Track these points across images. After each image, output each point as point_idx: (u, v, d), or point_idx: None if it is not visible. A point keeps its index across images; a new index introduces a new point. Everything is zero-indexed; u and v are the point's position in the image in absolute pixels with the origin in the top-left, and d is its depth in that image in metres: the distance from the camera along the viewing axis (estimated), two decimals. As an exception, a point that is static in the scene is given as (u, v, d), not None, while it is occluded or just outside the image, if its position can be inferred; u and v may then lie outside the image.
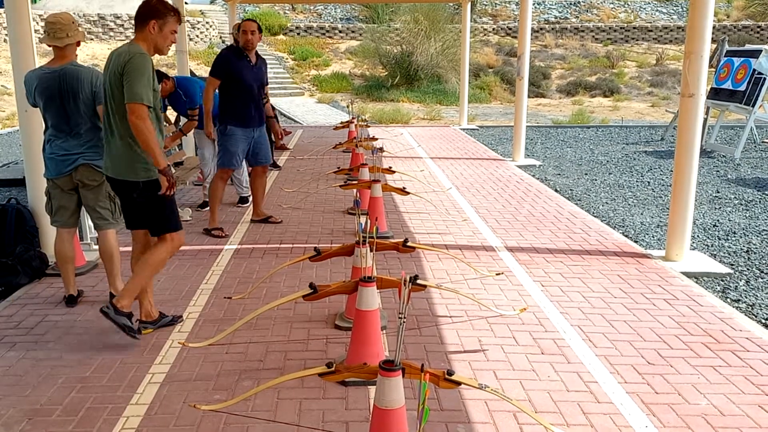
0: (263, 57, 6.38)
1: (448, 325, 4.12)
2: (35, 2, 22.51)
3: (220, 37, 24.86)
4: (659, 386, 3.40)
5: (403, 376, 2.43)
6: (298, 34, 26.24)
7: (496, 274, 5.03)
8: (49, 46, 4.19)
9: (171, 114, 12.50)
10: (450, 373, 2.55)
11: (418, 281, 3.49)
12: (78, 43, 4.27)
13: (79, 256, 5.12)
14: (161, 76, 6.37)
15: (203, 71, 20.36)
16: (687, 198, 5.45)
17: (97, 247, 5.46)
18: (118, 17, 23.49)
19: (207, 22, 24.78)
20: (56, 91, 4.14)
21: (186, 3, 13.41)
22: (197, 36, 23.92)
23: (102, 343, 3.88)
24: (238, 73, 5.98)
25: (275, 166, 9.50)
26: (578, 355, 3.73)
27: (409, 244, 4.06)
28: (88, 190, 4.31)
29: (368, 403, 3.17)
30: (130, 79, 3.50)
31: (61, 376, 3.48)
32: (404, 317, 2.30)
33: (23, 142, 5.39)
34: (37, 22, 19.01)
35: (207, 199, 7.11)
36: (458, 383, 2.57)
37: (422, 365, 2.18)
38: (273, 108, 12.36)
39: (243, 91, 6.02)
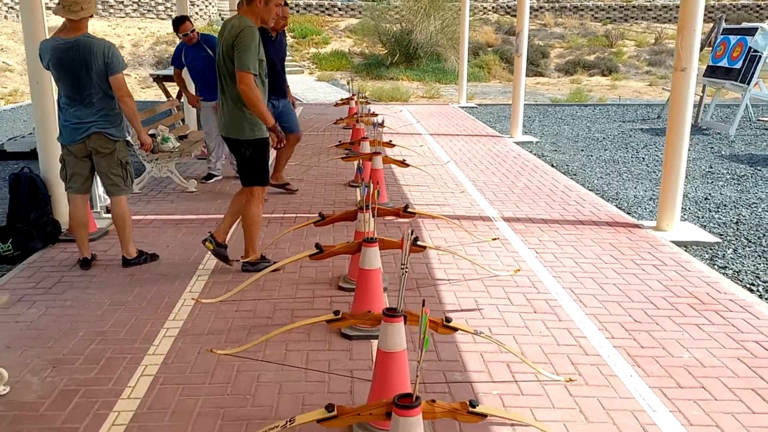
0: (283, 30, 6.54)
1: (445, 287, 4.33)
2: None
3: (220, 14, 24.83)
4: (645, 341, 3.61)
5: (405, 322, 2.62)
6: (298, 11, 26.20)
7: (492, 239, 5.24)
8: (65, 17, 4.33)
9: (173, 88, 12.61)
10: (448, 320, 2.75)
11: (418, 243, 3.68)
12: (91, 16, 4.41)
13: (91, 223, 5.30)
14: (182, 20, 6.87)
15: (203, 48, 20.40)
16: (678, 169, 5.64)
17: (106, 215, 5.69)
18: (117, -6, 23.44)
19: (206, 0, 24.74)
20: (70, 62, 4.29)
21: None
22: (197, 14, 23.91)
23: (117, 302, 4.08)
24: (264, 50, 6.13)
25: None
26: (569, 314, 3.94)
27: (409, 209, 4.24)
28: (100, 157, 4.48)
29: (371, 354, 3.38)
30: (240, 50, 4.01)
31: (81, 330, 3.69)
32: (406, 268, 2.50)
33: (35, 113, 5.53)
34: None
35: (211, 172, 7.29)
36: (455, 329, 2.78)
37: (423, 301, 2.37)
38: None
39: (267, 66, 6.18)
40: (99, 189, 5.76)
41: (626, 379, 3.21)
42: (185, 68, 7.37)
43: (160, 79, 12.75)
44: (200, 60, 7.06)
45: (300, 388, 3.10)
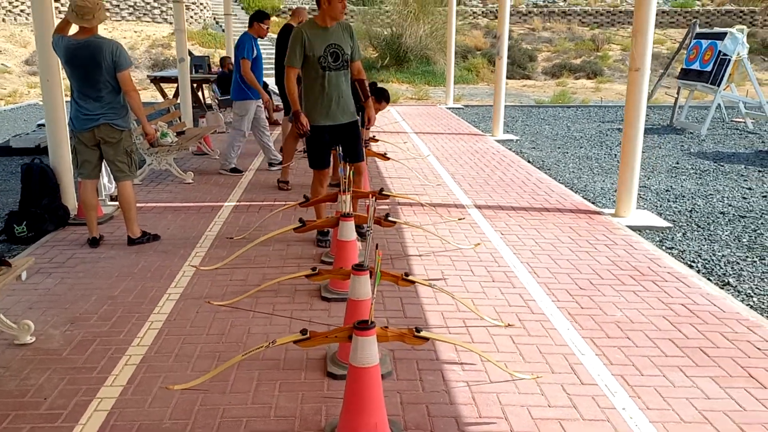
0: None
1: (416, 261, 4.87)
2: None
3: (214, 18, 25.37)
4: (585, 304, 4.15)
5: (371, 276, 3.15)
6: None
7: (459, 219, 5.80)
8: (78, 24, 4.85)
9: (169, 89, 13.12)
10: (407, 274, 3.28)
11: (389, 218, 4.22)
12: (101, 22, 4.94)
13: (98, 208, 5.82)
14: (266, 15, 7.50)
15: (198, 51, 20.93)
16: (634, 160, 6.19)
17: (111, 203, 6.21)
18: (114, -2, 23.95)
19: (201, 3, 25.27)
20: (81, 60, 4.81)
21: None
22: (191, 17, 24.43)
23: (124, 273, 4.61)
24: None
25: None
26: (523, 283, 4.48)
27: (384, 192, 4.78)
28: (108, 146, 5.00)
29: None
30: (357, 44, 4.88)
31: (94, 295, 4.21)
32: (370, 228, 3.03)
33: (45, 109, 6.03)
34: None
35: (237, 167, 7.91)
36: (413, 282, 3.31)
37: (377, 245, 2.90)
38: (266, 85, 13.01)
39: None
40: (104, 179, 6.27)
41: (563, 331, 3.75)
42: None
43: (157, 81, 13.28)
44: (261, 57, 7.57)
45: (284, 338, 3.63)
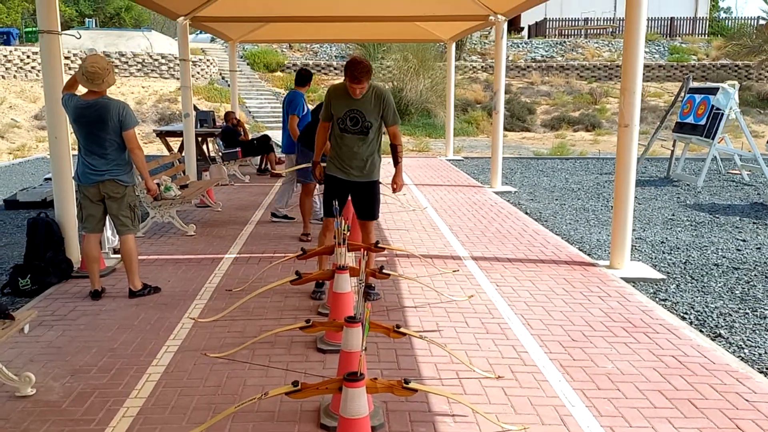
0: None
1: (412, 312, 4.95)
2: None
3: (220, 74, 25.98)
4: (577, 355, 4.21)
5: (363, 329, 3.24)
6: (295, 71, 27.34)
7: (453, 271, 5.90)
8: (88, 89, 5.05)
9: (174, 143, 13.39)
10: (398, 326, 3.37)
11: (384, 270, 4.33)
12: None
13: (101, 262, 5.94)
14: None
15: (203, 106, 21.39)
16: (626, 214, 6.31)
17: (114, 255, 6.34)
18: (122, 55, 24.61)
19: (208, 60, 25.93)
20: (89, 120, 5.00)
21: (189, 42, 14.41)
22: (198, 73, 25.03)
23: (125, 326, 4.69)
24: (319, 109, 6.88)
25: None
26: (516, 335, 4.55)
27: (380, 245, 4.89)
28: (112, 201, 5.16)
29: (341, 365, 3.98)
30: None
31: (94, 347, 4.29)
32: (362, 281, 3.13)
33: (52, 164, 6.20)
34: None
35: (287, 213, 8.27)
36: (404, 334, 3.39)
37: (365, 292, 3.00)
38: (269, 138, 13.28)
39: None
40: (108, 232, 6.41)
41: (555, 383, 3.80)
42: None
43: (162, 135, 13.59)
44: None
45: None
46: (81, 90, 5.13)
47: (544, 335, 4.55)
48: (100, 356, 4.15)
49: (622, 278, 6.04)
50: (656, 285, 6.05)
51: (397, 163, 5.16)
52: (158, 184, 7.63)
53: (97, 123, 4.98)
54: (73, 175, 5.27)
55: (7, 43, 23.85)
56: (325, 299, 5.15)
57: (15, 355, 4.16)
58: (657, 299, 5.64)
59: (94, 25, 32.64)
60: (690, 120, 12.83)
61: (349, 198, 5.15)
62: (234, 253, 6.76)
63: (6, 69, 22.01)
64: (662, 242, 7.75)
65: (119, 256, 5.94)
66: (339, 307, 4.15)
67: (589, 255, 7.02)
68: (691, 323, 5.05)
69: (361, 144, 4.94)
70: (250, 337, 4.41)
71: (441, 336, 4.51)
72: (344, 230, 4.13)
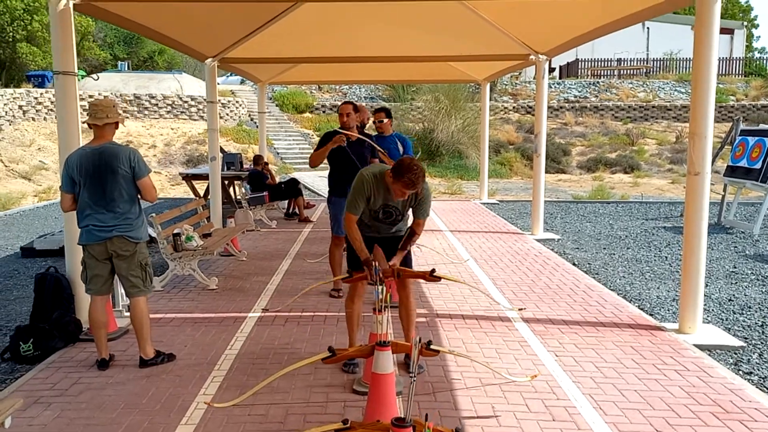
0: (366, 132, 6.81)
1: (462, 391, 4.26)
2: (79, 80, 23.82)
3: (249, 116, 25.85)
4: (667, 453, 3.49)
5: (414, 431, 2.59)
6: (324, 112, 27.20)
7: (520, 309, 5.17)
8: (89, 125, 4.58)
9: (200, 186, 13.01)
10: (458, 429, 2.71)
11: (432, 347, 3.67)
12: (116, 125, 4.65)
13: (111, 323, 5.38)
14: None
15: (232, 147, 21.15)
16: (698, 272, 5.60)
17: (128, 314, 5.76)
18: (152, 97, 24.62)
19: (237, 101, 25.85)
20: (96, 167, 4.47)
21: (218, 84, 14.17)
22: (227, 114, 24.92)
23: (131, 404, 4.08)
24: (339, 151, 6.38)
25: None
26: (588, 422, 3.84)
27: (435, 274, 4.28)
28: (121, 259, 4.60)
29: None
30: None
31: (93, 433, 3.68)
32: (414, 376, 2.49)
33: (65, 214, 5.72)
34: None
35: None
36: (466, 441, 2.73)
37: (426, 415, 2.36)
38: (297, 181, 12.82)
39: (343, 165, 6.39)
40: (120, 288, 5.86)
41: (647, 494, 3.09)
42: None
43: (188, 178, 13.20)
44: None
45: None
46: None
47: (621, 424, 3.83)
48: (99, 446, 3.54)
49: (695, 345, 5.30)
50: (736, 354, 5.29)
51: (405, 247, 4.56)
52: (179, 234, 7.11)
53: (105, 172, 4.46)
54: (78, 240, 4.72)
55: (41, 85, 24.00)
56: (360, 373, 4.49)
57: (2, 443, 3.57)
58: (740, 372, 4.88)
59: (126, 68, 33.00)
60: (743, 163, 12.05)
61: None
62: (258, 311, 6.15)
63: (36, 111, 22.08)
64: (730, 300, 6.97)
65: (132, 316, 5.37)
66: (381, 392, 3.50)
67: (651, 315, 6.28)
68: (789, 406, 4.28)
69: (391, 227, 4.66)
70: (275, 422, 3.77)
71: (499, 424, 3.82)
72: (387, 301, 3.50)
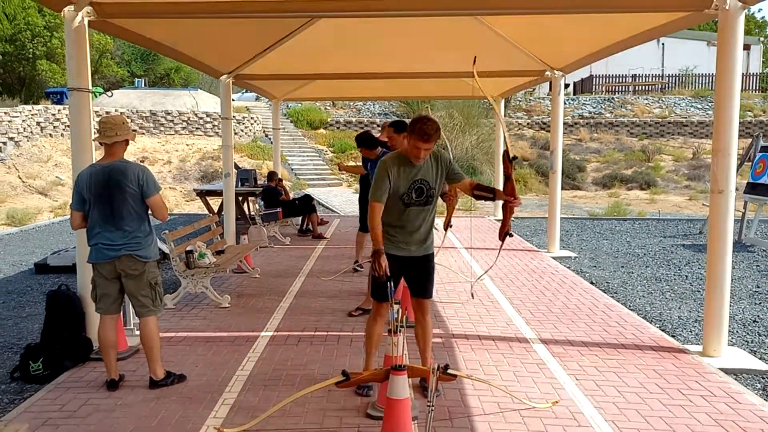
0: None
1: (480, 417, 4.12)
2: (95, 97, 23.88)
3: (264, 132, 25.92)
4: (696, 485, 3.33)
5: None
6: (338, 128, 27.22)
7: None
8: (99, 143, 4.53)
9: (214, 202, 12.99)
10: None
11: (449, 371, 3.55)
12: (127, 142, 4.59)
13: (122, 342, 5.30)
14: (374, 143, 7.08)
15: (246, 163, 21.17)
16: (722, 293, 5.44)
17: (138, 333, 5.67)
18: (168, 113, 24.78)
19: (252, 118, 25.95)
20: (104, 186, 4.41)
21: (233, 100, 14.19)
22: (242, 130, 25.01)
23: (140, 427, 3.99)
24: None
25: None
26: (612, 451, 3.69)
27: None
28: (130, 279, 4.52)
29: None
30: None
31: (100, 458, 3.58)
32: (432, 405, 2.38)
33: (76, 232, 5.66)
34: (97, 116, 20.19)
35: None
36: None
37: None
38: (311, 198, 12.76)
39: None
40: (131, 306, 5.78)
41: None
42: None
43: (203, 194, 13.18)
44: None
45: None
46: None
47: (647, 453, 3.68)
48: (106, 472, 3.44)
49: (721, 369, 5.12)
50: (764, 378, 5.11)
51: (492, 191, 4.47)
52: (192, 251, 7.04)
53: (113, 189, 4.39)
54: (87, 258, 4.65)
55: (60, 102, 24.19)
56: (374, 396, 4.36)
57: (7, 468, 3.48)
58: (769, 398, 4.71)
59: (143, 85, 33.25)
60: (764, 180, 11.83)
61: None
62: (271, 330, 6.05)
63: (54, 127, 22.27)
64: (754, 321, 6.78)
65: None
66: (396, 418, 3.37)
67: (673, 336, 6.11)
68: (822, 434, 4.10)
69: (424, 215, 4.39)
70: (286, 448, 3.66)
71: (518, 452, 3.68)
72: (402, 321, 3.38)
